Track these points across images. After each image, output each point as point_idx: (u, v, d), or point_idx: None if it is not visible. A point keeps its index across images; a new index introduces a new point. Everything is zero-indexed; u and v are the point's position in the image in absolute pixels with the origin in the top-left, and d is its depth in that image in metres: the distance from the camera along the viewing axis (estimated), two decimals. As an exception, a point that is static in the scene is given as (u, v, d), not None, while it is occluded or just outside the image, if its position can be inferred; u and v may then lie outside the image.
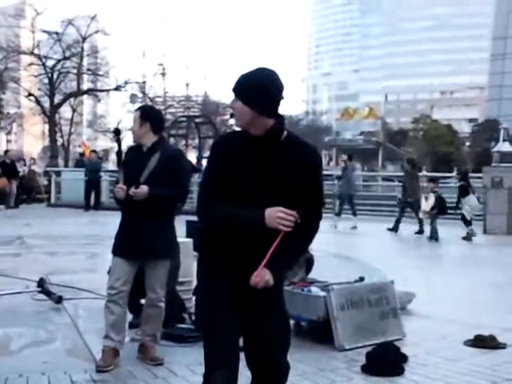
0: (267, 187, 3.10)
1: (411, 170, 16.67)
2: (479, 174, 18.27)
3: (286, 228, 3.04)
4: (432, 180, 16.15)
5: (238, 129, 3.27)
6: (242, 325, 3.27)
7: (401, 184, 17.63)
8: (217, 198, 3.17)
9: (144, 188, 5.05)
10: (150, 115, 5.31)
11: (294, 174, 3.11)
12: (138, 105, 46.32)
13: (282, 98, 3.13)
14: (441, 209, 14.73)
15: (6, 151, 26.48)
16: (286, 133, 3.19)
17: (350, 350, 5.70)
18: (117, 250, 5.24)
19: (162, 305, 5.36)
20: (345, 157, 19.42)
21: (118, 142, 5.61)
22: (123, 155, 5.49)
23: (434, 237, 14.23)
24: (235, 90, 3.14)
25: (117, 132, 5.84)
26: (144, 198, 5.05)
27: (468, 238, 14.30)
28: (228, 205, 3.13)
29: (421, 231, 15.29)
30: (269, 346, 3.25)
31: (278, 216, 3.03)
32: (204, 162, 22.93)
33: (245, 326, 3.28)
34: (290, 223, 3.04)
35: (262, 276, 3.08)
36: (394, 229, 15.87)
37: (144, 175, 5.14)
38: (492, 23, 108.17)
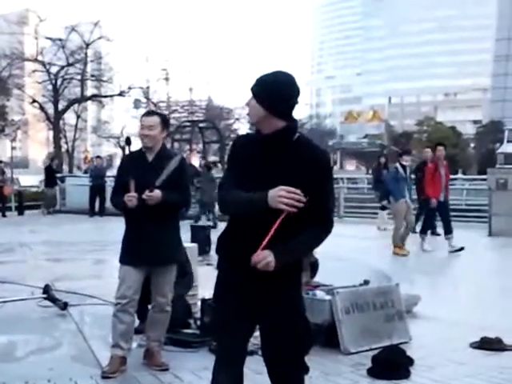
0: (273, 184, 3.07)
1: (207, 173, 18.20)
2: (484, 176, 18.23)
3: (287, 207, 3.00)
4: None
5: (248, 129, 3.31)
6: (260, 324, 3.30)
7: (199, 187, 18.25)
8: (230, 188, 3.22)
9: (158, 192, 5.04)
10: (168, 123, 5.46)
11: (302, 175, 3.10)
12: (141, 110, 46.43)
13: (296, 101, 3.18)
14: None
15: (53, 158, 26.60)
16: (297, 135, 3.22)
17: (355, 353, 5.69)
18: (126, 259, 5.21)
19: (170, 309, 5.38)
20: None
21: (130, 150, 5.60)
22: (122, 162, 5.52)
23: None
24: (251, 88, 3.22)
25: (128, 141, 5.81)
26: (157, 203, 5.05)
27: None
28: (238, 191, 3.17)
29: None
30: (283, 346, 3.25)
31: (279, 194, 3.00)
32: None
33: (261, 326, 3.31)
34: (293, 202, 3.00)
35: (264, 256, 3.04)
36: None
37: (161, 179, 5.13)
38: (494, 25, 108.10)
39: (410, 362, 5.39)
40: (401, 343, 5.89)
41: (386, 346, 5.66)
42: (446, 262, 11.46)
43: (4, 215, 22.19)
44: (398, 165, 12.81)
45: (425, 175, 13.09)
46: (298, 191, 3.02)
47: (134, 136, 6.90)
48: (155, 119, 5.28)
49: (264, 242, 3.06)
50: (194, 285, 6.87)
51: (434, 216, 13.31)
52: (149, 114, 5.54)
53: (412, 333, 6.22)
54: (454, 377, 5.15)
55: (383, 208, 17.24)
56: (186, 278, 6.29)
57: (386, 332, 6.02)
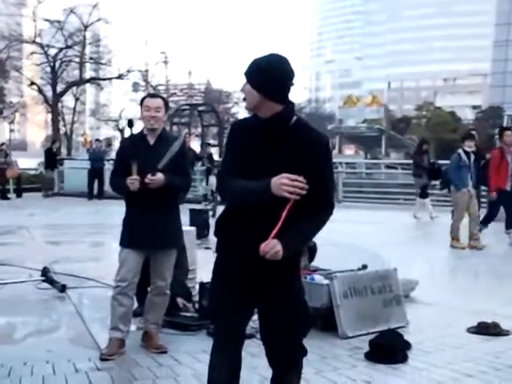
0: (272, 170, 3.05)
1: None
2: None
3: (291, 195, 2.97)
4: None
5: (247, 113, 3.29)
6: (258, 308, 3.30)
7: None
8: (229, 176, 3.18)
9: (160, 176, 5.03)
10: (168, 106, 5.43)
11: (301, 159, 3.08)
12: (140, 93, 46.41)
13: (291, 84, 3.14)
14: None
15: (54, 141, 26.58)
16: (295, 118, 3.18)
17: (353, 337, 5.72)
18: (126, 242, 5.20)
19: (169, 292, 5.40)
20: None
21: (131, 132, 5.58)
22: (122, 145, 5.50)
23: None
24: (245, 73, 3.18)
25: (130, 123, 5.77)
26: (159, 186, 5.03)
27: None
28: (240, 180, 3.13)
29: None
30: (281, 329, 3.25)
31: (282, 182, 2.97)
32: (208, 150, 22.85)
33: (260, 310, 3.31)
34: (296, 189, 2.97)
35: (273, 246, 3.02)
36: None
37: (163, 162, 5.11)
38: (494, 9, 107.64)
39: (408, 346, 5.41)
40: (398, 327, 5.91)
41: (383, 331, 5.67)
42: (444, 248, 11.46)
43: (4, 197, 22.14)
44: (460, 151, 11.57)
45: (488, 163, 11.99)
46: (301, 178, 2.98)
47: (135, 119, 6.86)
48: (160, 101, 5.29)
49: (274, 231, 3.02)
50: (192, 268, 6.89)
51: (498, 208, 12.28)
52: (153, 96, 5.54)
53: (409, 317, 6.24)
54: (451, 361, 5.17)
55: (422, 196, 16.69)
56: (181, 269, 6.25)
57: (383, 316, 6.04)
